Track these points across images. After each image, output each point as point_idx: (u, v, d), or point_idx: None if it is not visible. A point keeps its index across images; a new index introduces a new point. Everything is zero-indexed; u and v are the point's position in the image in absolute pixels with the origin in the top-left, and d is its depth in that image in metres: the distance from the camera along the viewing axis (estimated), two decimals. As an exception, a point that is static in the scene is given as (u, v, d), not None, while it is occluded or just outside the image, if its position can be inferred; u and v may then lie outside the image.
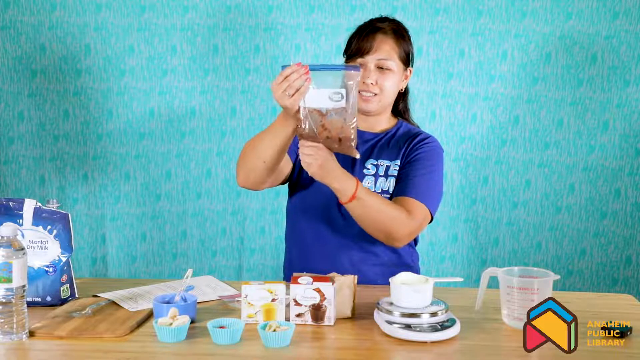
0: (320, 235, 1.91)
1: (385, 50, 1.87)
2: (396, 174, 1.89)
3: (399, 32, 1.91)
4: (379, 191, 1.87)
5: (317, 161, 1.65)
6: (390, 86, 1.88)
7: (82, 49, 2.52)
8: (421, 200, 1.81)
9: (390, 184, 1.88)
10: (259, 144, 1.76)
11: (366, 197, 1.73)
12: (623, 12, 2.39)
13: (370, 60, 1.87)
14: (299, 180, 1.95)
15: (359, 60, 1.87)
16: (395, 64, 1.88)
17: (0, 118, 2.50)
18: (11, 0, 2.47)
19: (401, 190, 1.84)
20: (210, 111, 2.61)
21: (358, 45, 1.88)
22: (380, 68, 1.87)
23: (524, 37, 2.50)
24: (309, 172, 1.69)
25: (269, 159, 1.76)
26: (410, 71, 1.96)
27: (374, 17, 1.95)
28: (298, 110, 1.62)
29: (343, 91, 1.59)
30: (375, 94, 1.87)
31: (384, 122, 1.97)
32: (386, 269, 1.88)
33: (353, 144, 1.63)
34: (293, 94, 1.60)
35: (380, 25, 1.90)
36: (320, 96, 1.60)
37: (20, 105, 2.51)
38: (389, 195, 1.86)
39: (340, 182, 1.71)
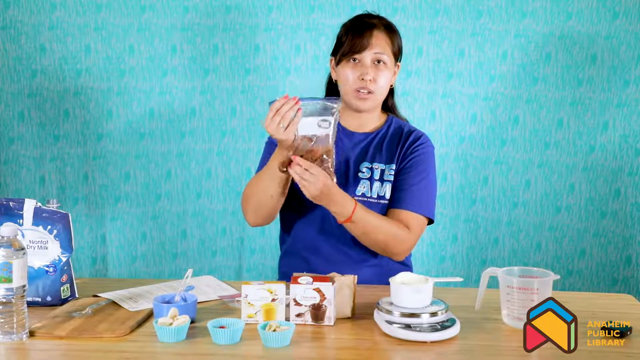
0: (317, 237, 1.91)
1: (381, 45, 1.87)
2: (391, 179, 1.89)
3: (390, 27, 1.92)
4: (375, 196, 1.88)
5: (316, 185, 1.67)
6: (384, 82, 1.89)
7: (82, 49, 2.52)
8: (418, 211, 1.84)
9: (386, 190, 1.88)
10: (261, 184, 1.80)
11: (364, 218, 1.76)
12: (623, 12, 2.39)
13: (367, 55, 1.86)
14: (292, 189, 1.94)
15: (355, 56, 1.87)
16: (388, 58, 1.88)
17: (0, 118, 2.50)
18: (11, 0, 2.46)
19: (398, 202, 1.86)
20: (210, 111, 2.61)
21: (353, 42, 1.86)
22: (375, 63, 1.87)
23: (524, 37, 2.50)
24: (307, 196, 1.71)
25: (275, 194, 1.80)
26: (399, 66, 1.96)
27: (359, 14, 1.94)
28: (293, 141, 1.66)
29: (330, 119, 1.68)
30: (370, 92, 1.86)
31: (375, 119, 1.97)
32: (384, 270, 1.88)
33: (332, 167, 1.69)
34: (287, 126, 1.63)
35: (372, 22, 1.90)
36: (309, 124, 1.67)
37: (20, 105, 2.51)
38: (385, 202, 1.87)
39: (337, 205, 1.74)
